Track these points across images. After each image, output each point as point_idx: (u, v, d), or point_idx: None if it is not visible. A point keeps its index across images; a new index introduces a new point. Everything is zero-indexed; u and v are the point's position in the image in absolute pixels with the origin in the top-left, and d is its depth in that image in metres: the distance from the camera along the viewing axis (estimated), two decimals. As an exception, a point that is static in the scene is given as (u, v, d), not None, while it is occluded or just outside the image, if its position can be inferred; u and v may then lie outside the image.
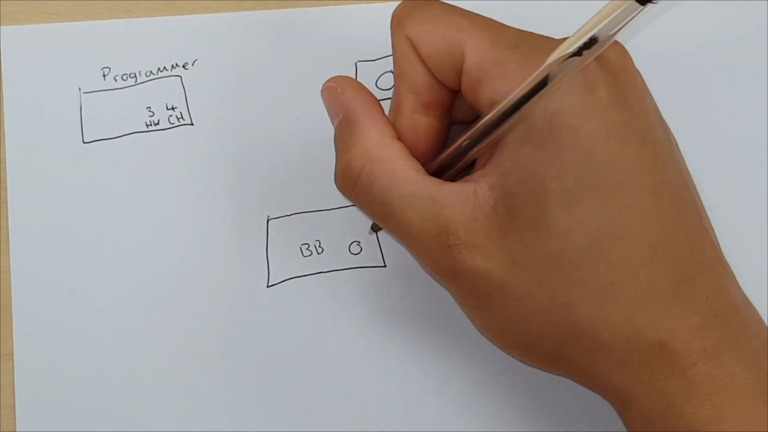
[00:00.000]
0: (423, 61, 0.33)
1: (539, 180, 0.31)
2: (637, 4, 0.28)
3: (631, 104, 0.32)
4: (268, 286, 0.39)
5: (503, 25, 0.33)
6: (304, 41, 0.41)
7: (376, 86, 0.41)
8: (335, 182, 0.35)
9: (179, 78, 0.41)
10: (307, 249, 0.39)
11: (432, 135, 0.35)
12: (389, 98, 0.41)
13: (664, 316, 0.31)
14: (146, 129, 0.40)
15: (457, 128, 0.36)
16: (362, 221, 0.40)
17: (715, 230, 0.34)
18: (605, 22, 0.29)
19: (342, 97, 0.35)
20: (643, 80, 0.34)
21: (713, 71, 0.42)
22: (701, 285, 0.32)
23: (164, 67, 0.41)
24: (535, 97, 0.30)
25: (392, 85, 0.41)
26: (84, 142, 0.40)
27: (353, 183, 0.34)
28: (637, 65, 0.33)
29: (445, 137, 0.36)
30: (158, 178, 0.40)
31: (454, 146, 0.34)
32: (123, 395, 0.38)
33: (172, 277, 0.39)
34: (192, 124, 0.40)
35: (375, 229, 0.39)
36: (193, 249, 0.39)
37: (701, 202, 0.34)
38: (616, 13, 0.29)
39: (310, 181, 0.40)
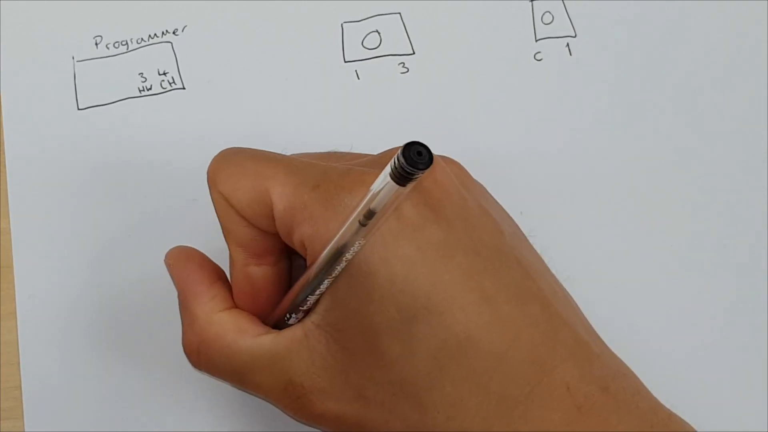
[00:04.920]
0: (240, 215, 0.33)
1: (361, 314, 0.30)
2: (396, 185, 0.27)
3: (447, 216, 0.31)
4: (262, 244, 0.40)
5: (307, 163, 0.33)
6: (290, 4, 0.42)
7: (363, 45, 0.42)
8: None
9: (170, 44, 0.42)
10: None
11: (269, 283, 0.34)
12: (375, 57, 0.42)
13: (524, 421, 0.30)
14: (139, 94, 0.41)
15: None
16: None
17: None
18: (378, 197, 0.28)
19: (173, 273, 0.35)
20: (466, 181, 0.33)
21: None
22: (560, 376, 0.30)
23: (155, 34, 0.42)
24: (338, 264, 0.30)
25: (378, 44, 0.42)
26: (79, 109, 0.41)
27: (197, 363, 0.34)
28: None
29: (287, 278, 0.35)
30: (152, 142, 0.41)
31: (287, 299, 0.33)
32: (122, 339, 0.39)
33: (168, 237, 0.39)
34: (184, 89, 0.41)
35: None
36: (189, 209, 0.40)
37: (552, 283, 0.33)
38: (383, 192, 0.28)
39: (300, 141, 0.40)
